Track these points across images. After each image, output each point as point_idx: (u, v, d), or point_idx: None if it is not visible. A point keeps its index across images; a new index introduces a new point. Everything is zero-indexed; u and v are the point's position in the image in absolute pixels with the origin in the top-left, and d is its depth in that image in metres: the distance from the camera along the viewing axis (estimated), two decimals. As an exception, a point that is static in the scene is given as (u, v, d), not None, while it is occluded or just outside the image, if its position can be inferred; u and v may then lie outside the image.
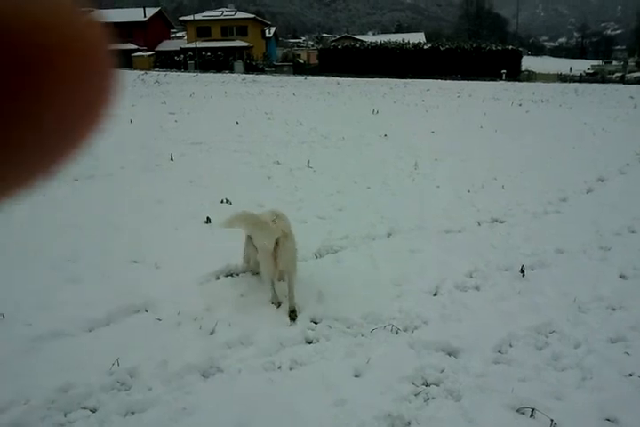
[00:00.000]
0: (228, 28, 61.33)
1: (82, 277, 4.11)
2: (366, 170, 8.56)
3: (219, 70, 51.15)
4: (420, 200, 6.87)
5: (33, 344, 3.16)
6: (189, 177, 7.61)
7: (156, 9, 67.61)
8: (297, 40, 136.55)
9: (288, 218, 3.81)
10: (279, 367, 3.03)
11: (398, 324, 3.49)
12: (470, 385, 2.87)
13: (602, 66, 74.26)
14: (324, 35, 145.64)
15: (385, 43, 50.57)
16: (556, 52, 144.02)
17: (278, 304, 3.74)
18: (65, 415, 2.60)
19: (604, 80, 51.12)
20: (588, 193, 7.60)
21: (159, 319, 3.50)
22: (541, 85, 38.50)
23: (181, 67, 54.20)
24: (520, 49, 50.96)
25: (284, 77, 42.71)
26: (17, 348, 3.12)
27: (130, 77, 34.46)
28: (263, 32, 66.39)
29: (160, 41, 63.31)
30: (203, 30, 60.81)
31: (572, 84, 41.82)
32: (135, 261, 4.49)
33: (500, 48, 48.83)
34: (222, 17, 62.40)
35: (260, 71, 52.08)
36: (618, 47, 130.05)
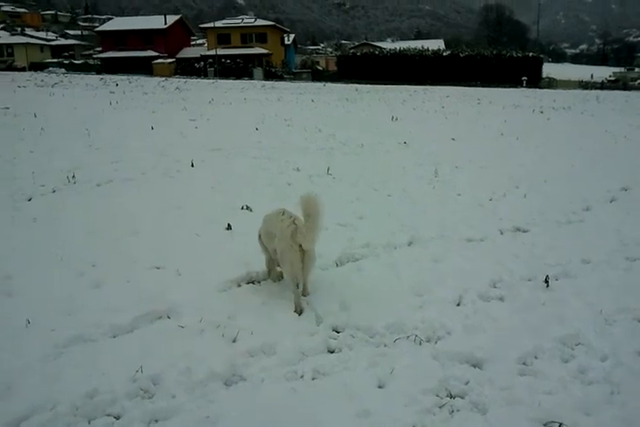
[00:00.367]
0: (248, 36, 61.80)
1: (105, 283, 4.16)
2: (386, 177, 8.52)
3: (238, 77, 51.53)
4: (441, 208, 6.81)
5: (58, 350, 3.19)
6: (210, 183, 7.64)
7: (177, 16, 68.39)
8: (316, 47, 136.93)
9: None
10: (302, 377, 3.01)
11: (421, 334, 3.45)
12: (496, 398, 2.83)
13: (624, 73, 73.51)
14: (343, 41, 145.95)
15: (404, 49, 50.54)
16: (577, 59, 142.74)
17: (300, 312, 3.74)
18: (89, 422, 2.61)
19: (625, 87, 50.55)
20: (611, 202, 7.48)
21: (182, 326, 3.50)
22: (562, 92, 38.17)
23: (201, 73, 54.69)
24: (541, 56, 50.57)
25: (303, 84, 42.88)
26: (42, 353, 3.15)
27: (150, 84, 34.85)
28: (282, 39, 66.77)
29: (180, 48, 63.98)
30: (223, 37, 61.35)
31: (593, 92, 41.40)
32: (157, 268, 4.52)
33: (520, 55, 48.51)
34: (242, 24, 62.93)
35: (279, 78, 52.36)
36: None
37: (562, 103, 26.63)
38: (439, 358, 3.20)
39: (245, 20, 64.45)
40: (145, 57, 59.96)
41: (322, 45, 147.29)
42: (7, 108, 17.43)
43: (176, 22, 65.46)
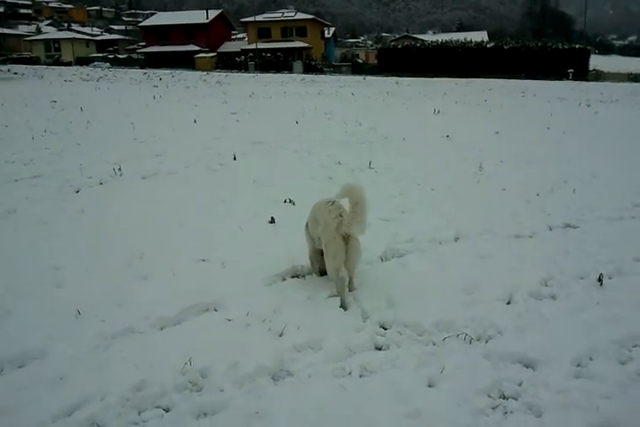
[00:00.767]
0: (288, 29, 61.86)
1: (152, 275, 4.20)
2: (429, 172, 8.38)
3: (278, 71, 51.66)
4: (487, 203, 6.66)
5: (107, 341, 3.23)
6: (252, 176, 7.66)
7: (218, 11, 68.90)
8: (356, 40, 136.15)
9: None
10: (349, 374, 2.96)
11: (471, 333, 3.36)
12: (551, 400, 2.72)
13: (676, 64, 70.69)
14: (383, 34, 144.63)
15: (446, 42, 49.69)
16: (626, 51, 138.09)
17: (346, 307, 3.70)
18: (139, 414, 2.63)
19: (678, 79, 48.63)
20: (665, 198, 7.19)
21: (229, 320, 3.50)
22: (610, 85, 36.93)
23: (242, 67, 55.04)
24: (588, 47, 49.06)
25: (343, 77, 42.69)
26: (92, 344, 3.19)
27: (192, 78, 35.25)
28: (322, 32, 66.60)
29: (221, 42, 64.50)
30: (263, 31, 61.59)
31: (643, 84, 40.00)
32: (203, 260, 4.54)
33: (566, 47, 47.14)
34: (282, 18, 62.99)
35: (319, 71, 52.26)
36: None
37: (609, 96, 25.78)
38: (491, 357, 3.10)
39: (286, 14, 64.47)
40: (187, 51, 60.67)
41: (362, 38, 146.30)
42: (54, 101, 17.90)
43: (217, 17, 65.97)
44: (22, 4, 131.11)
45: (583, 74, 45.27)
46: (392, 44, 57.71)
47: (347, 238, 3.65)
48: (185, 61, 57.21)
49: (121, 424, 2.57)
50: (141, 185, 7.24)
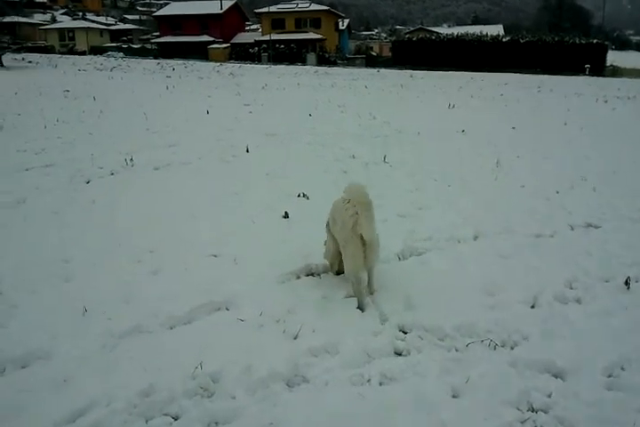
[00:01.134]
0: (302, 20, 61.46)
1: (162, 270, 4.06)
2: (445, 167, 8.20)
3: (292, 62, 51.38)
4: (505, 200, 6.48)
5: (114, 340, 3.10)
6: (265, 169, 7.52)
7: (232, 1, 68.48)
8: (370, 32, 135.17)
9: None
10: (368, 381, 2.81)
11: (495, 338, 3.20)
12: (584, 414, 2.56)
13: (695, 61, 69.54)
14: (398, 27, 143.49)
15: (462, 35, 49.13)
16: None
17: (363, 309, 3.55)
18: (146, 422, 2.49)
19: (697, 76, 47.84)
20: (690, 198, 6.97)
21: (241, 320, 3.36)
22: (627, 81, 36.35)
23: (255, 59, 54.80)
24: (606, 42, 48.32)
25: (356, 70, 42.40)
26: (99, 343, 3.06)
27: (206, 69, 35.14)
28: (336, 24, 66.09)
29: (235, 33, 64.24)
30: (277, 22, 61.23)
31: (661, 80, 39.37)
32: (214, 255, 4.40)
33: (584, 41, 46.46)
34: (296, 9, 62.56)
35: (333, 63, 51.94)
36: None
37: (626, 92, 25.35)
38: (517, 365, 2.94)
39: (300, 5, 64.00)
40: (201, 42, 60.47)
41: (376, 31, 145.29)
42: (68, 90, 17.84)
43: (231, 7, 65.63)
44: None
45: (600, 69, 44.64)
46: (407, 36, 57.17)
47: (364, 238, 3.48)
48: (198, 52, 57.03)
49: (127, 433, 2.44)
50: (153, 176, 7.12)
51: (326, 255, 4.09)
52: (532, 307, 3.71)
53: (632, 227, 5.68)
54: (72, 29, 73.78)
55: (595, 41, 47.14)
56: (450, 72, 39.11)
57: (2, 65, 31.38)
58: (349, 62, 53.95)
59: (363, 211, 3.40)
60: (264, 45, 56.90)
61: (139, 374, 2.77)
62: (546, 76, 36.75)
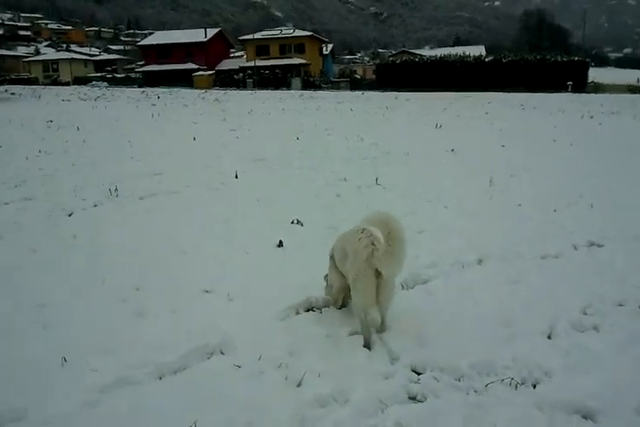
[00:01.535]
0: (287, 46, 62.09)
1: (150, 311, 3.73)
2: (438, 187, 8.03)
3: (276, 87, 51.70)
4: (504, 221, 6.29)
5: (97, 396, 2.76)
6: (255, 195, 7.28)
7: (217, 29, 69.23)
8: (353, 56, 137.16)
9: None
10: (384, 433, 2.49)
11: (516, 375, 2.93)
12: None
13: (673, 76, 70.70)
14: (380, 50, 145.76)
15: (444, 56, 49.81)
16: (621, 63, 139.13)
17: (369, 347, 3.25)
18: None
19: (676, 91, 48.56)
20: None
21: (238, 366, 3.04)
22: (609, 97, 36.84)
23: (240, 85, 55.10)
24: (587, 60, 49.13)
25: (341, 93, 42.67)
26: (80, 399, 2.72)
27: (191, 96, 35.13)
28: (320, 49, 66.83)
29: (220, 60, 64.73)
30: (261, 49, 61.80)
31: (642, 96, 39.90)
32: (206, 291, 4.09)
33: (565, 59, 47.22)
34: (280, 35, 63.29)
35: (318, 87, 52.33)
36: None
37: (610, 108, 25.62)
38: (543, 408, 2.66)
39: (284, 32, 64.81)
40: (185, 69, 60.81)
41: (359, 55, 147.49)
42: (51, 121, 17.63)
43: (216, 35, 66.29)
44: (22, 26, 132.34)
45: (582, 86, 45.27)
46: (390, 59, 57.95)
47: (379, 272, 3.16)
48: (183, 79, 57.27)
49: None
50: (139, 206, 6.84)
51: (328, 291, 3.80)
52: (549, 337, 3.45)
53: (635, 245, 5.50)
54: (56, 61, 74.04)
55: (576, 58, 48.00)
56: (434, 93, 39.41)
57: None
58: (334, 86, 54.41)
59: (393, 241, 3.12)
60: (249, 71, 57.31)
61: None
62: (529, 94, 37.15)
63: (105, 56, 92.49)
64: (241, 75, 57.58)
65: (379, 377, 2.95)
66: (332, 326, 3.51)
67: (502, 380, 2.89)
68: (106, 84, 58.41)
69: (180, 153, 11.09)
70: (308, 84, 53.58)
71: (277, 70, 57.35)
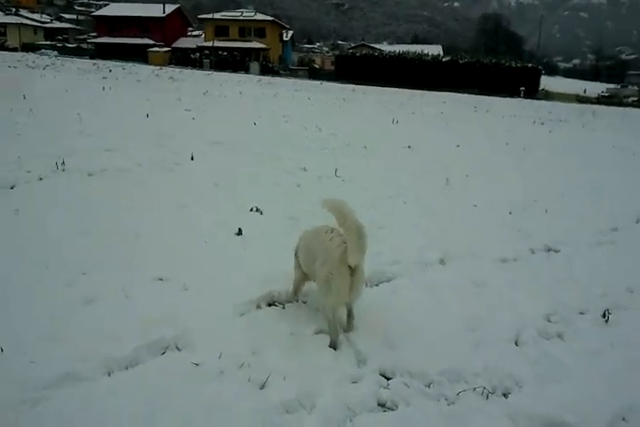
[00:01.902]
0: (247, 29, 61.04)
1: (98, 298, 3.42)
2: (397, 183, 8.00)
3: (234, 70, 50.79)
4: (463, 221, 6.31)
5: (38, 392, 2.46)
6: (213, 179, 7.00)
7: (176, 6, 67.26)
8: (312, 45, 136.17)
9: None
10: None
11: (486, 384, 2.84)
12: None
13: (618, 89, 73.69)
14: (340, 42, 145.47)
15: (403, 53, 50.15)
16: (570, 74, 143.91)
17: (335, 347, 3.11)
18: None
19: (620, 104, 50.65)
20: (638, 222, 7.03)
21: (196, 364, 2.80)
22: (558, 105, 37.99)
23: (197, 64, 53.85)
24: (540, 67, 50.47)
25: (300, 81, 42.28)
26: (18, 397, 2.41)
27: (144, 72, 34.03)
28: (281, 35, 66.08)
29: (177, 38, 63.02)
30: (221, 29, 60.51)
31: (589, 106, 41.35)
32: (160, 279, 3.80)
33: (519, 65, 48.39)
34: (241, 17, 62.11)
35: (276, 73, 51.77)
36: (632, 72, 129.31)
37: (558, 115, 26.43)
38: (517, 420, 2.57)
39: (245, 14, 63.55)
40: (140, 44, 58.87)
41: (318, 44, 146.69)
42: (-6, 87, 16.67)
43: (174, 11, 64.41)
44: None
45: (534, 92, 46.57)
46: (350, 51, 57.82)
47: (352, 269, 3.06)
48: (138, 54, 55.34)
49: None
50: (87, 183, 6.44)
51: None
52: (516, 344, 3.40)
53: (590, 252, 5.63)
54: (4, 25, 70.11)
55: (529, 65, 49.27)
56: (391, 88, 39.64)
57: None
58: (292, 73, 53.99)
59: (355, 238, 3.02)
60: (206, 51, 56.03)
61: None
62: (482, 97, 37.86)
63: (57, 24, 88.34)
64: (198, 54, 56.23)
65: (346, 381, 2.80)
66: (296, 323, 3.33)
67: (474, 389, 2.80)
68: (56, 53, 55.81)
69: (132, 130, 10.60)
70: (267, 70, 52.90)
71: (236, 53, 56.30)
